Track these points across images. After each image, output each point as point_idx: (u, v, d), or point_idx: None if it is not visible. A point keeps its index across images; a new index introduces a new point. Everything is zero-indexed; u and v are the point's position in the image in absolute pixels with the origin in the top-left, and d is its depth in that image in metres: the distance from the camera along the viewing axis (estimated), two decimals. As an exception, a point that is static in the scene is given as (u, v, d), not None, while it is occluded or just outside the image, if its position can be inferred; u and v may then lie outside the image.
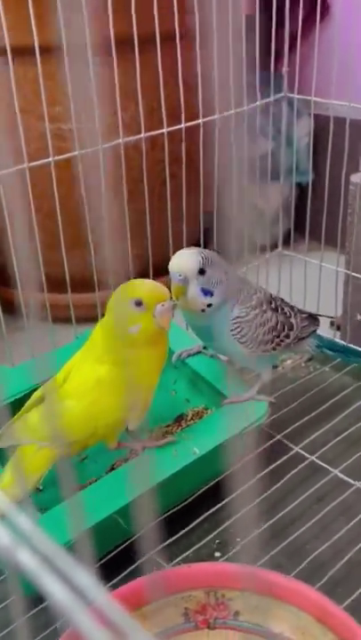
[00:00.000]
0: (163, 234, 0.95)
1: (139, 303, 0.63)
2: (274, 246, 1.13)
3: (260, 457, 0.77)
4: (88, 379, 0.66)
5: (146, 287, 0.63)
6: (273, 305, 0.75)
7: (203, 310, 0.70)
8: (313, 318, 0.83)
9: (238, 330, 0.72)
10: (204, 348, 0.84)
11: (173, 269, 0.68)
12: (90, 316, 0.94)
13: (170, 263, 0.69)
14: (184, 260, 0.68)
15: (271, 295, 0.77)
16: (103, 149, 0.81)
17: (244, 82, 0.90)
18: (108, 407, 0.66)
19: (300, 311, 0.81)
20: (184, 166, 0.91)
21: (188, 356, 0.84)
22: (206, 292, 0.69)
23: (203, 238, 1.01)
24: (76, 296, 0.92)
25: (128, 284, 0.64)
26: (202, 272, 0.68)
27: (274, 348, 0.76)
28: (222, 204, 1.21)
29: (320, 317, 0.86)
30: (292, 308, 0.79)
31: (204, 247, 1.02)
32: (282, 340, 0.76)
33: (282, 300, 0.79)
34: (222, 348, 0.78)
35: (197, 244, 1.02)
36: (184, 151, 0.90)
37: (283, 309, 0.77)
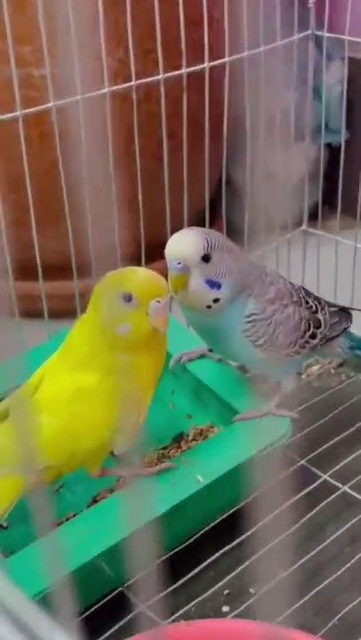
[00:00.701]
0: (158, 207, 0.94)
1: (128, 298, 0.62)
2: (297, 223, 1.13)
3: (280, 487, 0.77)
4: (64, 390, 0.66)
5: (138, 278, 0.63)
6: (295, 297, 0.75)
7: (208, 307, 0.69)
8: (345, 313, 0.83)
9: (253, 329, 0.72)
10: (210, 350, 0.83)
11: (171, 255, 0.68)
12: (66, 310, 0.94)
13: (166, 247, 0.68)
14: (184, 244, 0.68)
15: (293, 285, 0.77)
16: (84, 101, 0.80)
17: (260, 16, 0.90)
18: (90, 426, 0.66)
19: (329, 304, 0.81)
20: (185, 122, 0.91)
21: (190, 360, 0.84)
22: (213, 284, 0.68)
23: (208, 213, 1.01)
24: (49, 285, 0.91)
25: (116, 272, 0.64)
26: (206, 258, 0.68)
27: (297, 352, 0.76)
28: (233, 171, 1.21)
29: (354, 312, 0.86)
30: (318, 300, 0.79)
31: (210, 226, 1.02)
32: (307, 342, 0.76)
33: (306, 290, 0.79)
34: (233, 353, 0.78)
35: (201, 221, 1.02)
36: (185, 103, 0.90)
37: (307, 302, 0.76)
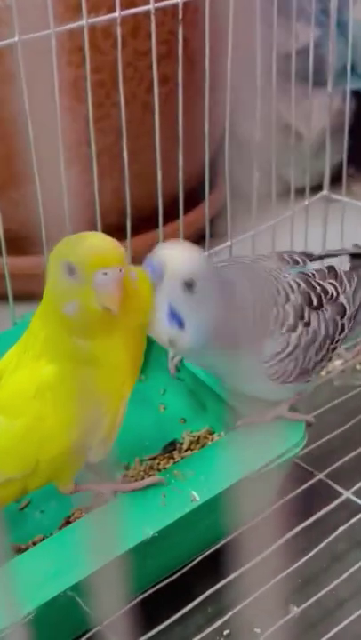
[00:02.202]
0: (147, 168, 0.94)
1: (71, 269, 0.61)
2: (317, 188, 1.13)
3: (293, 506, 0.78)
4: (26, 386, 0.66)
5: (83, 244, 0.61)
6: (315, 300, 0.74)
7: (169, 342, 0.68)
8: (358, 261, 0.84)
9: (280, 371, 0.72)
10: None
11: (158, 251, 0.66)
12: (35, 292, 0.94)
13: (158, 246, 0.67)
14: (181, 250, 0.66)
15: (304, 274, 0.76)
16: (57, 35, 0.80)
17: None
18: (56, 429, 0.66)
19: (330, 254, 0.82)
20: (181, 64, 0.90)
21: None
22: (173, 317, 0.66)
23: (208, 175, 1.00)
24: (14, 260, 0.91)
25: (65, 239, 0.63)
26: (189, 286, 0.65)
27: (330, 359, 0.77)
28: (238, 124, 1.20)
29: None
30: (334, 275, 0.78)
31: (210, 191, 1.02)
32: (337, 341, 0.76)
33: (316, 273, 0.78)
34: (250, 391, 0.77)
35: (200, 185, 1.02)
36: (181, 40, 0.89)
37: (326, 293, 0.76)
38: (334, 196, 1.11)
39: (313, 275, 0.77)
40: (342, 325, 0.76)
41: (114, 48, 0.88)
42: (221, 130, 1.00)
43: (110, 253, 0.61)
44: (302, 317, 0.72)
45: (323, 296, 0.75)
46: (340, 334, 0.76)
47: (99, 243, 0.62)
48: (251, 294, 0.70)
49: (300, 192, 1.08)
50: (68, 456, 0.67)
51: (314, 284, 0.75)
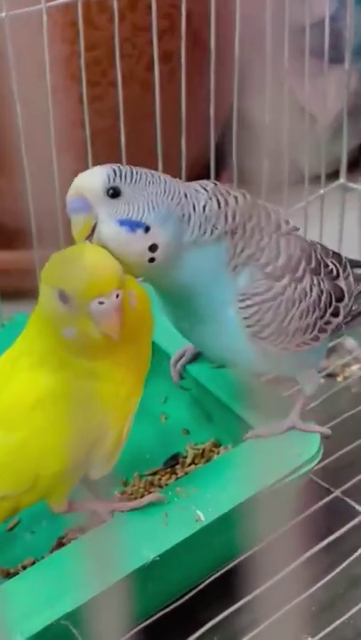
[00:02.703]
0: (147, 152, 0.94)
1: (64, 298, 0.61)
2: (333, 175, 1.13)
3: (307, 525, 0.77)
4: (23, 396, 0.66)
5: (74, 269, 0.61)
6: (313, 262, 0.73)
7: (151, 260, 0.66)
8: None
9: (256, 317, 0.70)
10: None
11: (69, 192, 0.67)
12: (26, 289, 0.93)
13: None
14: (84, 175, 0.67)
15: (305, 240, 0.76)
16: (48, 9, 0.80)
17: None
18: (58, 443, 0.66)
19: (352, 263, 0.80)
20: (184, 39, 0.90)
21: (185, 363, 0.85)
22: (132, 225, 0.65)
23: (214, 160, 1.00)
24: (3, 255, 0.91)
25: (54, 257, 0.63)
26: (114, 193, 0.66)
27: (316, 338, 0.74)
28: (247, 105, 1.20)
29: None
30: (339, 258, 0.77)
31: (216, 177, 1.01)
32: (328, 322, 0.75)
33: (322, 246, 0.77)
34: (224, 349, 0.74)
35: (205, 170, 1.01)
36: (184, 14, 0.89)
37: (326, 265, 0.75)
38: (352, 185, 1.11)
39: (316, 243, 0.77)
40: (337, 308, 0.75)
41: (110, 22, 0.88)
42: (228, 112, 1.00)
43: (104, 278, 0.61)
44: (296, 270, 0.71)
45: (322, 263, 0.74)
46: (332, 315, 0.75)
47: (91, 265, 0.61)
48: (207, 191, 0.69)
49: (314, 180, 1.07)
50: (65, 474, 0.67)
51: (312, 244, 0.75)
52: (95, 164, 0.86)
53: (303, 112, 1.11)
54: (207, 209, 0.68)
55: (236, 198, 0.70)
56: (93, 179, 0.66)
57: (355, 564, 0.78)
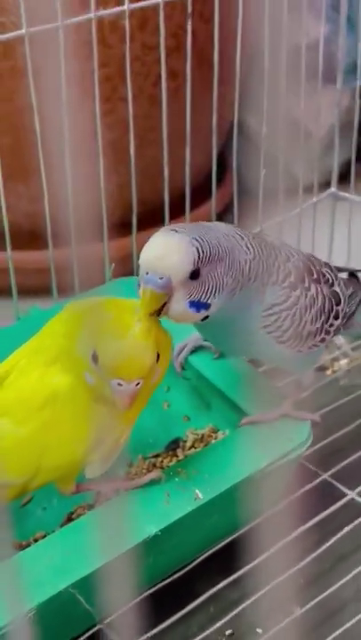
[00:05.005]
0: (154, 162, 0.94)
1: (95, 358, 0.62)
2: (325, 185, 1.13)
3: (297, 506, 0.77)
4: (35, 392, 0.66)
5: (112, 344, 0.61)
6: (315, 274, 0.75)
7: (202, 320, 0.68)
8: (355, 279, 0.85)
9: (276, 324, 0.71)
10: (205, 340, 0.83)
11: (150, 265, 0.64)
12: (39, 286, 0.94)
13: (143, 251, 0.65)
14: (170, 253, 0.64)
15: (304, 255, 0.77)
16: (65, 28, 0.80)
17: None
18: (61, 438, 0.66)
19: (339, 269, 0.82)
20: (189, 58, 0.90)
21: (186, 355, 0.85)
22: (199, 306, 0.66)
23: (215, 171, 1.00)
24: (19, 255, 0.91)
25: (109, 315, 0.63)
26: (195, 275, 0.64)
27: (323, 339, 0.76)
28: (247, 120, 1.20)
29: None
30: (329, 268, 0.79)
31: (218, 186, 1.02)
32: (331, 325, 0.76)
33: (315, 258, 0.79)
34: (248, 352, 0.78)
35: (207, 181, 1.01)
36: (190, 34, 0.89)
37: (324, 275, 0.76)
38: (342, 194, 1.11)
39: (311, 256, 0.78)
40: (337, 311, 0.76)
41: (121, 42, 0.87)
42: (229, 125, 1.00)
43: (132, 369, 0.61)
44: (304, 281, 0.73)
45: (321, 274, 0.76)
46: (334, 319, 0.76)
47: (128, 351, 0.62)
48: (249, 249, 0.69)
49: (308, 189, 1.07)
50: (67, 467, 0.68)
51: (310, 258, 0.76)
52: (106, 171, 0.87)
53: (299, 127, 1.11)
54: (252, 270, 0.69)
55: (260, 246, 0.71)
56: (183, 265, 0.63)
57: (340, 542, 0.78)
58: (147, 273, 0.63)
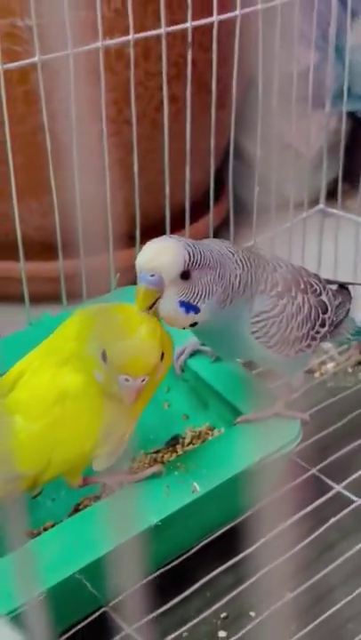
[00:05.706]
0: (157, 180, 0.94)
1: (104, 357, 0.63)
2: (314, 201, 1.13)
3: (287, 499, 0.77)
4: (46, 391, 0.66)
5: (121, 343, 0.62)
6: (302, 284, 0.75)
7: (191, 326, 0.68)
8: (345, 291, 0.85)
9: (264, 330, 0.71)
10: (203, 344, 0.84)
11: (144, 264, 0.65)
12: (50, 294, 0.94)
13: (139, 255, 0.66)
14: (162, 253, 0.65)
15: (293, 267, 0.77)
16: (74, 56, 0.80)
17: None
18: (73, 434, 0.66)
19: (328, 281, 0.82)
20: (189, 84, 0.91)
21: (187, 357, 0.85)
22: (188, 308, 0.66)
23: (213, 188, 1.00)
24: (31, 265, 0.91)
25: (118, 317, 0.64)
26: (185, 275, 0.65)
27: (309, 345, 0.76)
28: (242, 141, 1.20)
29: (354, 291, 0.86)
30: (318, 279, 0.79)
31: (215, 203, 1.02)
32: (317, 332, 0.76)
33: (305, 270, 0.79)
34: (241, 355, 0.79)
35: (205, 197, 1.01)
36: (190, 62, 0.89)
37: (311, 285, 0.76)
38: (330, 210, 1.11)
39: (301, 268, 0.78)
40: (323, 319, 0.76)
41: (126, 69, 0.88)
42: (226, 146, 1.00)
43: (139, 366, 0.62)
44: (291, 290, 0.73)
45: (308, 284, 0.76)
46: (320, 326, 0.76)
47: (136, 349, 0.62)
48: (239, 264, 0.70)
49: (298, 206, 1.08)
50: (77, 461, 0.68)
51: (299, 270, 0.77)
52: (112, 187, 0.87)
53: (290, 148, 1.11)
54: (241, 283, 0.69)
55: (250, 260, 0.71)
56: (173, 264, 0.64)
57: (328, 532, 0.78)
58: (141, 272, 0.65)
